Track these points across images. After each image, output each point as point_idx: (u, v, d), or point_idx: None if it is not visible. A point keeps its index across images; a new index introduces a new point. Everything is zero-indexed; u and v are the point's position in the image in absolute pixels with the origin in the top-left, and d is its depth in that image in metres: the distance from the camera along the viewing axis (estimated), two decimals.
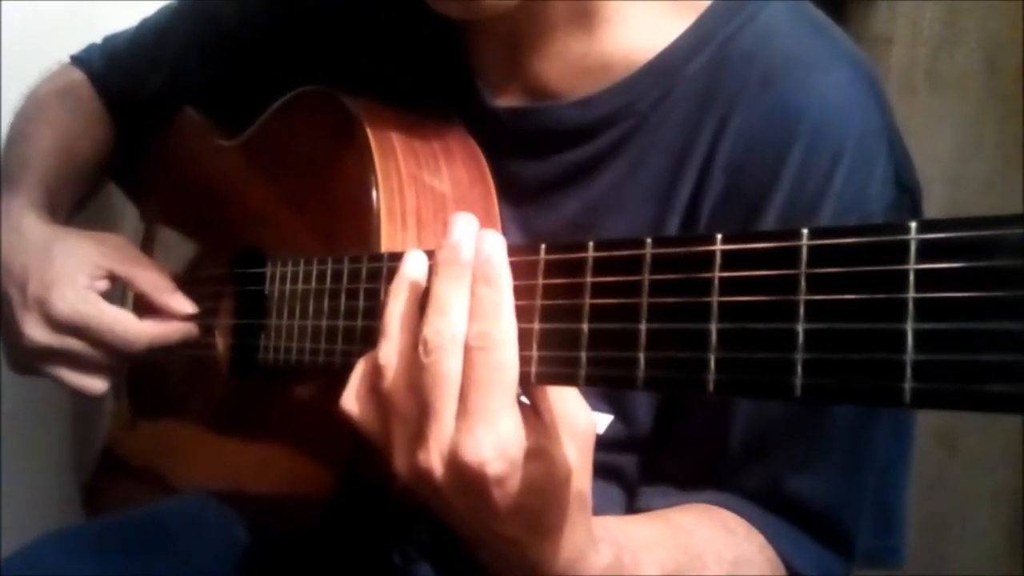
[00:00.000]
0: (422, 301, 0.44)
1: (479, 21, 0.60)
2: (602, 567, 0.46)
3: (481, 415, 0.40)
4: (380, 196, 0.57)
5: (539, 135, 0.62)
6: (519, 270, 0.42)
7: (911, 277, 0.30)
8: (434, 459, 0.41)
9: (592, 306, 0.39)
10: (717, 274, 0.35)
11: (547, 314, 0.41)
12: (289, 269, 0.60)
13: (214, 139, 0.79)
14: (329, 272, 0.55)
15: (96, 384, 0.71)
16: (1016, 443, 1.14)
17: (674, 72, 0.59)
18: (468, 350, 0.41)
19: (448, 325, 0.41)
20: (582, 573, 0.45)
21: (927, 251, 0.30)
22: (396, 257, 0.48)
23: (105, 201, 0.93)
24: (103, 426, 0.87)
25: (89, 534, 0.69)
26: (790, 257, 0.33)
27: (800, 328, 0.32)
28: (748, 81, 0.57)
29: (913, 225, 0.30)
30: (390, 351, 0.44)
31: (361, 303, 0.52)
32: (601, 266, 0.40)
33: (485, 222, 0.45)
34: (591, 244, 0.40)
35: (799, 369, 0.32)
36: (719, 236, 0.36)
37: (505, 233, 0.43)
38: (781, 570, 0.56)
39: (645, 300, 0.37)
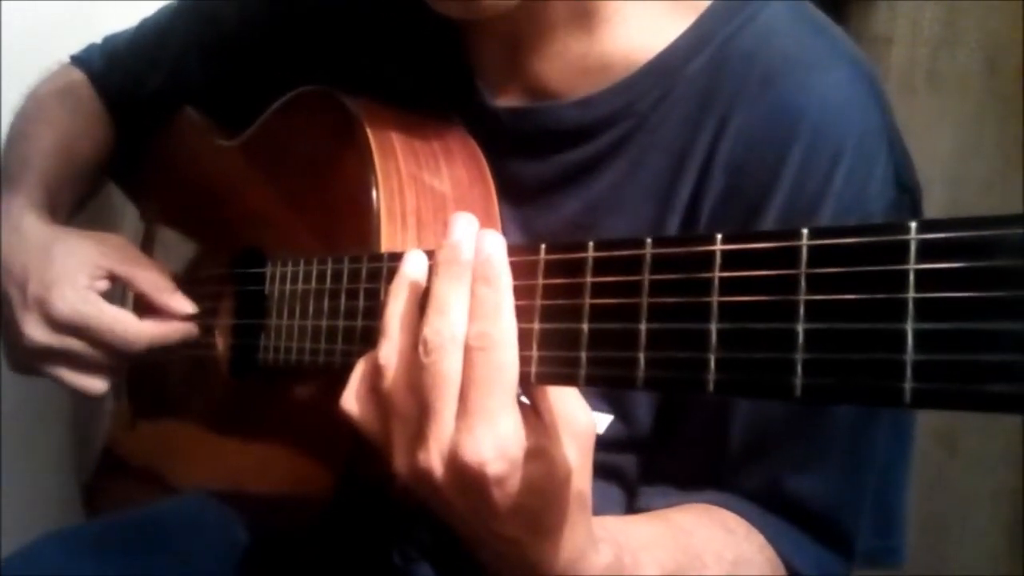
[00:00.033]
0: (422, 301, 0.44)
1: (479, 21, 0.60)
2: (602, 567, 0.46)
3: (481, 415, 0.40)
4: (380, 196, 0.57)
5: (539, 135, 0.62)
6: (519, 270, 0.42)
7: (911, 277, 0.30)
8: (434, 459, 0.41)
9: (592, 306, 0.39)
10: (717, 274, 0.35)
11: (547, 314, 0.41)
12: (289, 269, 0.60)
13: (214, 139, 0.79)
14: (329, 272, 0.55)
15: (96, 384, 0.71)
16: (1016, 443, 1.14)
17: (674, 72, 0.59)
18: (468, 350, 0.41)
19: (448, 325, 0.41)
20: (582, 573, 0.45)
21: (927, 251, 0.30)
22: (396, 257, 0.48)
23: (105, 201, 0.93)
24: (103, 426, 0.87)
25: (89, 534, 0.69)
26: (790, 257, 0.33)
27: (800, 328, 0.33)
28: (748, 81, 0.57)
29: (913, 225, 0.30)
30: (390, 351, 0.44)
31: (361, 303, 0.52)
32: (601, 266, 0.40)
33: (485, 222, 0.45)
34: (591, 244, 0.40)
35: (799, 369, 0.32)
36: (719, 236, 0.36)
37: (505, 233, 0.43)
38: (781, 570, 0.56)
39: (645, 300, 0.37)
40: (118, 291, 0.73)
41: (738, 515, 0.56)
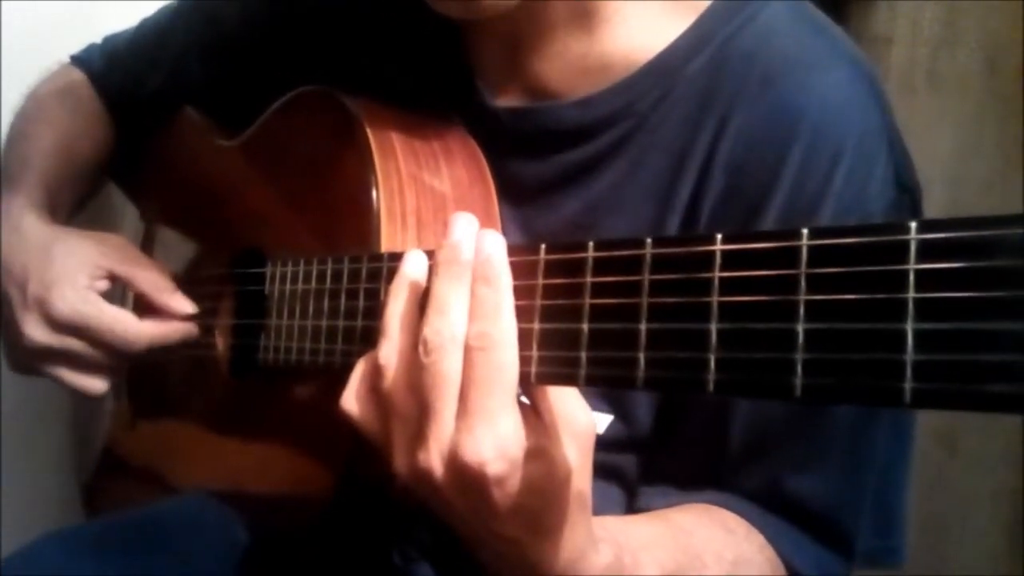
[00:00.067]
0: (422, 301, 0.44)
1: (479, 21, 0.60)
2: (602, 567, 0.46)
3: (481, 415, 0.40)
4: (380, 196, 0.57)
5: (539, 135, 0.62)
6: (519, 270, 0.42)
7: (911, 277, 0.30)
8: (434, 459, 0.41)
9: (592, 306, 0.39)
10: (717, 274, 0.35)
11: (547, 314, 0.41)
12: (289, 269, 0.60)
13: (214, 139, 0.79)
14: (329, 272, 0.55)
15: (96, 384, 0.71)
16: (1016, 443, 1.14)
17: (674, 72, 0.59)
18: (468, 350, 0.41)
19: (448, 325, 0.41)
20: (582, 573, 0.45)
21: (927, 251, 0.30)
22: (396, 257, 0.48)
23: (105, 201, 0.93)
24: (103, 426, 0.87)
25: (89, 534, 0.69)
26: (790, 257, 0.33)
27: (800, 328, 0.32)
28: (748, 81, 0.57)
29: (913, 225, 0.30)
30: (390, 351, 0.44)
31: (361, 303, 0.52)
32: (601, 266, 0.40)
33: (485, 222, 0.45)
34: (591, 244, 0.40)
35: (799, 369, 0.32)
36: (719, 236, 0.36)
37: (505, 233, 0.43)
38: (781, 570, 0.56)
39: (645, 300, 0.37)
40: (118, 291, 0.73)
41: (738, 515, 0.56)
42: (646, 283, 0.38)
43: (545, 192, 0.63)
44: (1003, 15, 1.18)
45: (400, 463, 0.44)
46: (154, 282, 0.72)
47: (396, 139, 0.60)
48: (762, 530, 0.56)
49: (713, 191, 0.57)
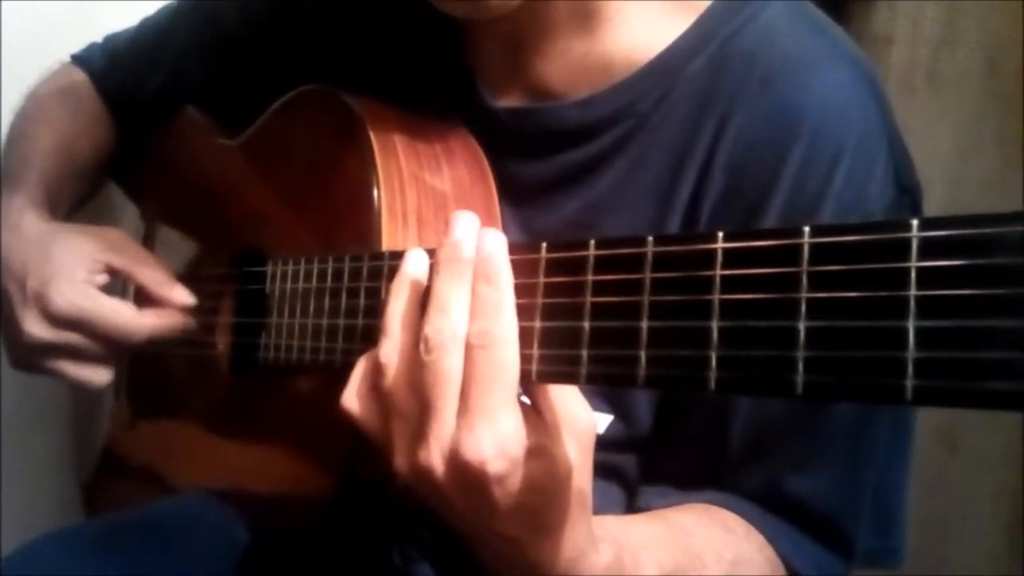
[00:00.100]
0: (423, 299, 0.44)
1: (483, 21, 0.60)
2: (602, 566, 0.46)
3: (482, 413, 0.40)
4: (381, 195, 0.57)
5: (540, 135, 0.62)
6: (520, 268, 0.42)
7: (912, 275, 0.30)
8: (435, 457, 0.41)
9: (593, 304, 0.39)
10: (718, 272, 0.35)
11: (548, 312, 0.41)
12: (290, 268, 0.60)
13: (215, 138, 0.79)
14: (330, 271, 0.55)
15: (98, 375, 0.71)
16: (1016, 442, 1.14)
17: (675, 72, 0.59)
18: (469, 348, 0.41)
19: (449, 323, 0.41)
20: (582, 572, 0.45)
21: (928, 249, 0.30)
22: (397, 256, 0.48)
23: (105, 201, 0.93)
24: (103, 426, 0.87)
25: (89, 534, 0.69)
26: (792, 255, 0.33)
27: (801, 326, 0.33)
28: (748, 81, 0.57)
29: (914, 223, 0.30)
30: (391, 349, 0.44)
31: (362, 301, 0.52)
32: (602, 264, 0.40)
33: (486, 222, 0.45)
34: (592, 242, 0.40)
35: (800, 367, 0.32)
36: (720, 234, 0.36)
37: (506, 233, 0.43)
38: (781, 570, 0.56)
39: (646, 298, 0.37)
40: (119, 285, 0.73)
41: (738, 515, 0.56)
42: (647, 281, 0.38)
43: (546, 192, 0.63)
44: (1003, 15, 1.18)
45: (401, 462, 0.44)
46: (153, 275, 0.72)
47: (398, 138, 0.60)
48: (762, 530, 0.56)
49: (713, 191, 0.57)
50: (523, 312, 0.42)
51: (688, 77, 0.58)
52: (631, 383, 0.38)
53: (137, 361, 0.79)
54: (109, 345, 0.70)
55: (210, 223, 0.78)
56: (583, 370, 0.39)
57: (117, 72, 0.86)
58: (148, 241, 0.85)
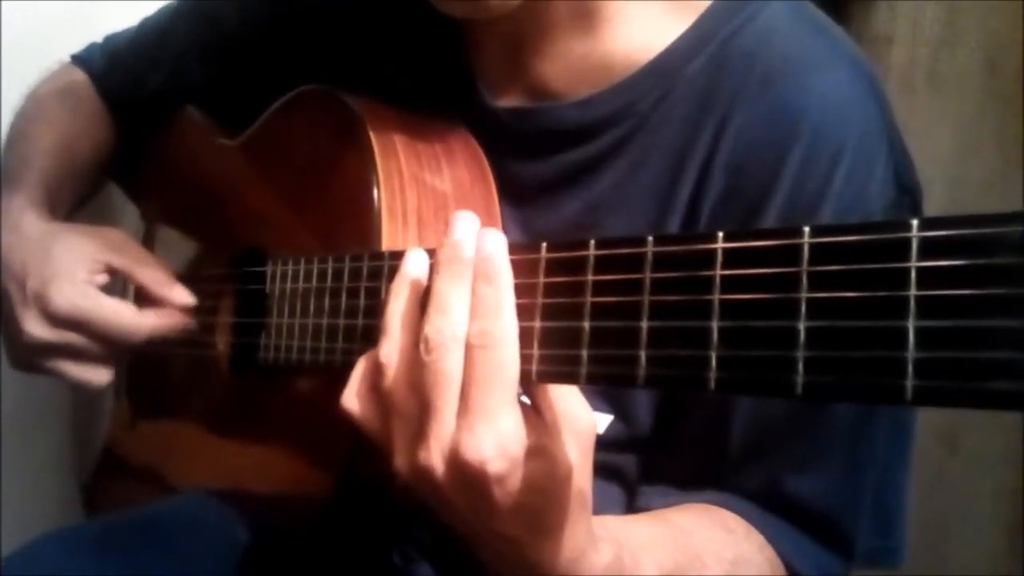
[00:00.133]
0: (423, 299, 0.44)
1: (483, 21, 0.60)
2: (602, 566, 0.46)
3: (482, 413, 0.40)
4: (381, 195, 0.57)
5: (540, 135, 0.62)
6: (520, 268, 0.42)
7: (912, 275, 0.30)
8: (435, 457, 0.41)
9: (593, 304, 0.39)
10: (718, 272, 0.35)
11: (548, 312, 0.41)
12: (290, 268, 0.60)
13: (215, 138, 0.79)
14: (330, 271, 0.55)
15: (99, 376, 0.71)
16: (1016, 442, 1.14)
17: (675, 72, 0.59)
18: (469, 348, 0.41)
19: (449, 323, 0.41)
20: (582, 572, 0.45)
21: (928, 249, 0.30)
22: (397, 256, 0.48)
23: (105, 201, 0.93)
24: (103, 426, 0.87)
25: (89, 534, 0.68)
26: (792, 255, 0.33)
27: (801, 326, 0.33)
28: (748, 81, 0.57)
29: (915, 223, 0.30)
30: (391, 349, 0.44)
31: (362, 301, 0.52)
32: (602, 264, 0.40)
33: (486, 222, 0.45)
34: (592, 242, 0.40)
35: (800, 367, 0.32)
36: (720, 234, 0.36)
37: (506, 233, 0.43)
38: (781, 570, 0.56)
39: (646, 298, 0.37)
40: (119, 285, 0.73)
41: (738, 515, 0.56)
42: (647, 281, 0.38)
43: (546, 192, 0.63)
44: (1003, 15, 1.18)
45: (401, 462, 0.44)
46: (153, 275, 0.72)
47: (398, 139, 0.60)
48: (762, 530, 0.56)
49: (713, 191, 0.57)
50: (523, 312, 0.42)
51: (688, 77, 0.58)
52: (631, 383, 0.38)
53: (137, 361, 0.79)
54: (109, 345, 0.70)
55: (210, 223, 0.78)
56: (583, 370, 0.39)
57: (117, 72, 0.86)
58: (148, 241, 0.85)
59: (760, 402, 0.56)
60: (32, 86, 0.87)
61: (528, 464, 0.41)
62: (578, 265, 0.40)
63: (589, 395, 0.44)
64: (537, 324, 0.41)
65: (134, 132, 0.87)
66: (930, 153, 1.17)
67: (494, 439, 0.40)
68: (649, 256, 0.38)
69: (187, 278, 0.75)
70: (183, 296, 0.72)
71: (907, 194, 0.58)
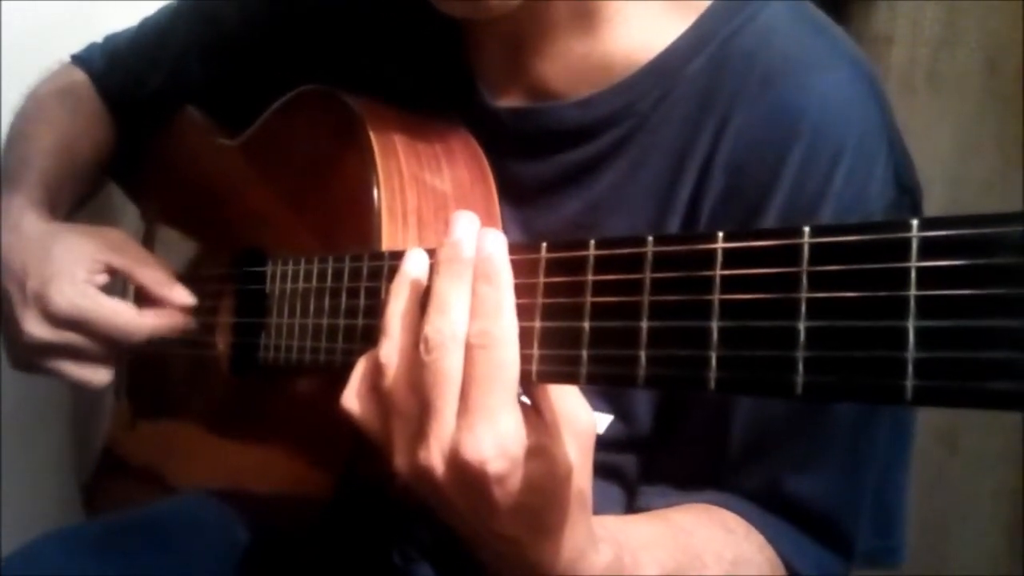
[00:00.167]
0: (423, 299, 0.44)
1: (483, 21, 0.60)
2: (602, 566, 0.46)
3: (482, 413, 0.40)
4: (381, 195, 0.57)
5: (540, 135, 0.62)
6: (520, 268, 0.42)
7: (913, 275, 0.30)
8: (435, 457, 0.41)
9: (593, 304, 0.39)
10: (718, 272, 0.35)
11: (548, 312, 0.41)
12: (290, 268, 0.60)
13: (215, 138, 0.79)
14: (330, 271, 0.55)
15: (99, 375, 0.71)
16: (1016, 442, 1.14)
17: (675, 72, 0.59)
18: (469, 348, 0.41)
19: (449, 323, 0.41)
20: (582, 572, 0.45)
21: (929, 249, 0.30)
22: (397, 256, 0.48)
23: (105, 201, 0.93)
24: (103, 426, 0.87)
25: (89, 534, 0.68)
26: (792, 255, 0.33)
27: (801, 326, 0.33)
28: (748, 81, 0.57)
29: (915, 223, 0.30)
30: (391, 349, 0.44)
31: (362, 301, 0.52)
32: (602, 264, 0.40)
33: (486, 222, 0.46)
34: (592, 242, 0.40)
35: (800, 367, 0.32)
36: (720, 234, 0.36)
37: (506, 233, 0.43)
38: (781, 570, 0.56)
39: (646, 298, 0.37)
40: (119, 285, 0.73)
41: (738, 515, 0.56)
42: (647, 281, 0.38)
43: (546, 192, 0.63)
44: (1003, 15, 1.18)
45: (401, 462, 0.44)
46: (153, 275, 0.72)
47: (398, 139, 0.60)
48: (762, 530, 0.56)
49: (713, 191, 0.57)
50: (523, 312, 0.42)
51: (688, 77, 0.58)
52: (631, 383, 0.38)
53: (137, 361, 0.79)
54: (109, 345, 0.70)
55: (210, 223, 0.78)
56: (583, 370, 0.39)
57: (117, 72, 0.86)
58: (148, 241, 0.85)
59: (760, 402, 0.56)
60: (32, 86, 0.87)
61: (528, 464, 0.41)
62: (578, 265, 0.40)
63: (589, 395, 0.44)
64: (537, 324, 0.41)
65: (134, 132, 0.87)
66: (930, 153, 1.17)
67: (494, 439, 0.40)
68: (649, 256, 0.38)
69: (187, 278, 0.75)
70: (183, 296, 0.72)
71: (907, 194, 0.58)
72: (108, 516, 0.79)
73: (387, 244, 0.56)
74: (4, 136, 0.84)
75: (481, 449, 0.40)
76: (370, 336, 0.49)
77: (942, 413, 1.08)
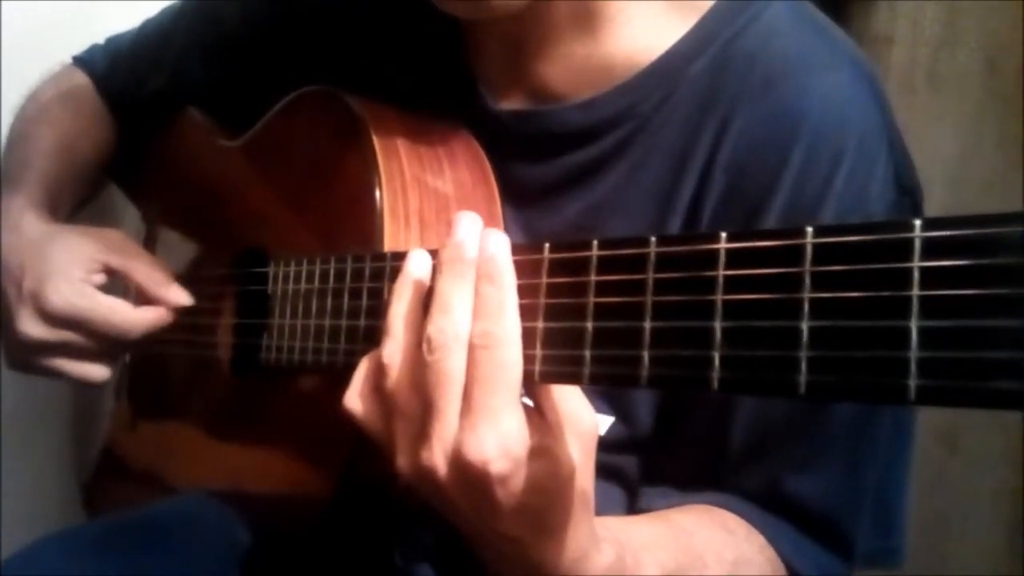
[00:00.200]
0: (426, 300, 0.44)
1: (484, 22, 0.60)
2: (604, 567, 0.46)
3: (485, 413, 0.40)
4: (383, 196, 0.57)
5: (542, 137, 0.62)
6: (523, 269, 0.42)
7: (915, 275, 0.30)
8: (437, 458, 0.41)
9: (596, 305, 0.39)
10: (721, 272, 0.35)
11: (551, 313, 0.41)
12: (292, 268, 0.60)
13: (216, 139, 0.79)
14: (332, 271, 0.55)
15: (98, 371, 0.71)
16: (1016, 442, 1.14)
17: (676, 73, 0.59)
18: (472, 348, 0.41)
19: (452, 324, 0.41)
20: (584, 572, 0.45)
21: (931, 249, 0.30)
22: (399, 256, 0.48)
23: (106, 202, 0.93)
24: (103, 426, 0.87)
25: (89, 534, 0.68)
26: (794, 255, 0.33)
27: (804, 326, 0.33)
28: (750, 82, 0.57)
29: (917, 223, 0.30)
30: (394, 350, 0.44)
31: (364, 302, 0.52)
32: (605, 264, 0.40)
33: (488, 224, 0.45)
34: (595, 243, 0.40)
35: (803, 367, 0.32)
36: (723, 235, 0.36)
37: (508, 235, 0.43)
38: (781, 570, 0.56)
39: (649, 298, 0.37)
40: (119, 286, 0.73)
41: (738, 516, 0.56)
42: (650, 281, 0.38)
43: (548, 194, 0.63)
44: (1003, 15, 1.18)
45: (403, 462, 0.44)
46: (151, 275, 0.72)
47: (400, 140, 0.60)
48: (762, 531, 0.56)
49: (714, 192, 0.57)
50: (526, 312, 0.42)
51: (690, 79, 0.58)
52: (634, 383, 0.38)
53: (138, 362, 0.79)
54: (106, 343, 0.70)
55: (211, 224, 0.78)
56: (586, 370, 0.39)
57: (119, 73, 0.86)
58: (149, 242, 0.85)
59: (760, 403, 0.56)
60: (33, 87, 0.87)
61: (531, 464, 0.41)
62: (581, 266, 0.40)
63: (590, 396, 0.44)
64: (540, 324, 0.41)
65: (135, 133, 0.87)
66: (930, 153, 1.17)
67: (497, 439, 0.40)
68: (652, 256, 0.38)
69: (188, 279, 0.75)
70: (180, 296, 0.72)
71: (908, 195, 0.58)
72: (108, 516, 0.79)
73: (389, 245, 0.56)
74: (4, 137, 0.84)
75: (484, 449, 0.40)
76: (372, 337, 0.49)
77: (942, 413, 1.08)
